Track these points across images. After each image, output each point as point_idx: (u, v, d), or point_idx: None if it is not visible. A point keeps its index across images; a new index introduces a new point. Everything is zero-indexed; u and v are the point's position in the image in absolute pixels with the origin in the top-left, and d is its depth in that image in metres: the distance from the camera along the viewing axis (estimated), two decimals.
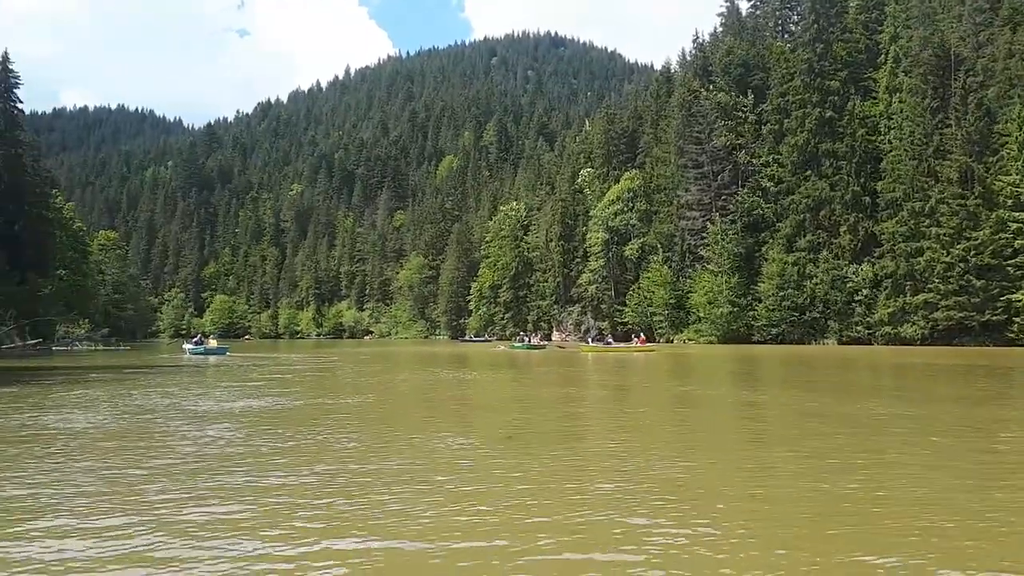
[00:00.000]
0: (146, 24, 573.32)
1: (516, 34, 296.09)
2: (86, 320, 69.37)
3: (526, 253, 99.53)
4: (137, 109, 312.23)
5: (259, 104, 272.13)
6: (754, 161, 70.57)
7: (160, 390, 19.24)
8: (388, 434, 11.25)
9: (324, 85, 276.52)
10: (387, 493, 7.05)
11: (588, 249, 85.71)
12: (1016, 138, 52.99)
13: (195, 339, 53.95)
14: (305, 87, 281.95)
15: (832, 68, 67.71)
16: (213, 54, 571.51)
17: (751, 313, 66.37)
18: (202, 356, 44.54)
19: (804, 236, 64.94)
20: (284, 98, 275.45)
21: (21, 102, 75.26)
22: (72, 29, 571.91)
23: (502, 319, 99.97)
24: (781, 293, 63.57)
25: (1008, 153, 53.61)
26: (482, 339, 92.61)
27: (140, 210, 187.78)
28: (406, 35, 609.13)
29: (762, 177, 69.55)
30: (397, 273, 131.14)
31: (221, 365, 34.23)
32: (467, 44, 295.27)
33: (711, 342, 66.94)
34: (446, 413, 14.94)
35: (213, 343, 51.77)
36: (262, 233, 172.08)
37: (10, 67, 71.37)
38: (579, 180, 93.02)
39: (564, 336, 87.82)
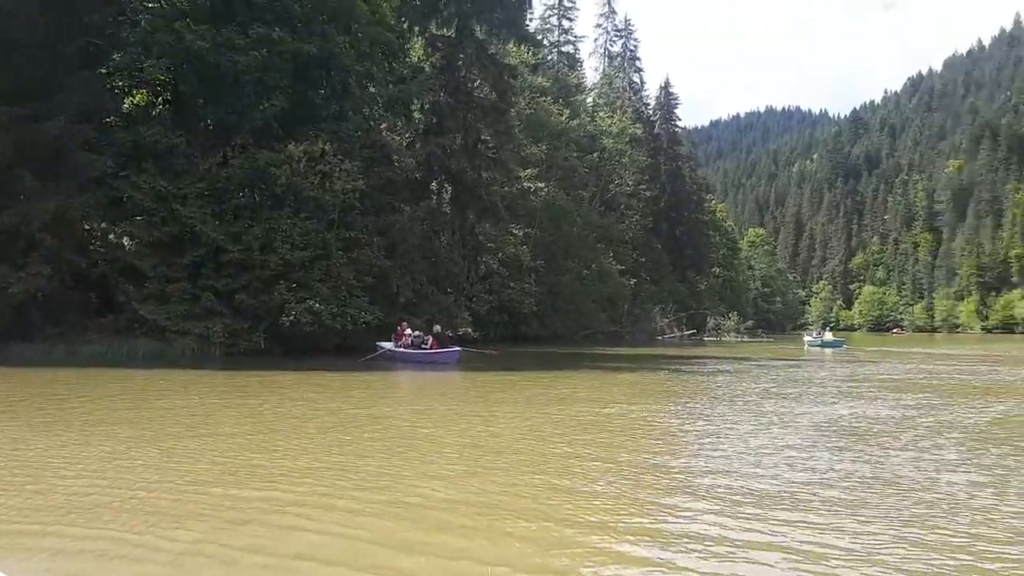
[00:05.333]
0: (785, 21, 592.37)
1: None
2: (735, 312, 74.60)
3: None
4: (784, 108, 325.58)
5: (909, 79, 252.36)
6: None
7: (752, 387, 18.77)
8: None
9: (987, 43, 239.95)
10: None
11: None
12: None
13: (815, 332, 55.56)
14: (963, 50, 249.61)
15: None
16: (859, 36, 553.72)
17: None
18: (819, 348, 45.17)
19: None
20: (938, 67, 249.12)
21: (680, 120, 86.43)
22: (721, 39, 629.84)
23: None
24: None
25: None
26: None
27: (787, 205, 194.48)
28: None
29: None
30: None
31: (834, 358, 32.89)
32: None
33: None
34: None
35: (828, 335, 51.49)
36: (913, 218, 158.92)
37: (671, 92, 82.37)
38: None
39: None
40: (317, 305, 24.72)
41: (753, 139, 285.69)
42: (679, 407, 13.84)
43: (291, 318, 24.39)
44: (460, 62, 34.84)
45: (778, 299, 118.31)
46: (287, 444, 9.15)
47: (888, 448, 9.28)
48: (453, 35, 34.43)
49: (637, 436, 10.37)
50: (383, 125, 33.48)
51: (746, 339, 64.94)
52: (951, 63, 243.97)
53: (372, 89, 31.91)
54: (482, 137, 36.09)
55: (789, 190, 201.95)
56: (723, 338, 64.71)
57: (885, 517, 6.03)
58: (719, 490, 6.93)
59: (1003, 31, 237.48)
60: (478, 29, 35.21)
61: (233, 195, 26.44)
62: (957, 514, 6.19)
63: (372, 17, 30.55)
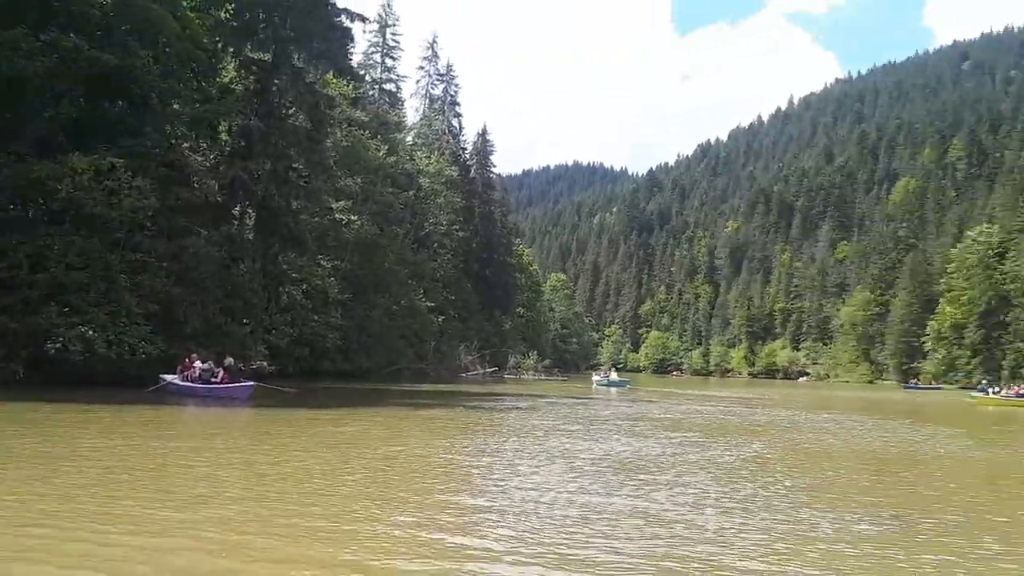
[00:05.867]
0: (600, 83, 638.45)
1: (993, 32, 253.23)
2: (535, 352, 77.71)
3: (1001, 285, 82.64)
4: (589, 163, 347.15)
5: (699, 145, 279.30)
6: None
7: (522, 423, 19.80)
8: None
9: (765, 119, 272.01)
10: None
11: None
12: None
13: (602, 372, 60.77)
14: (745, 123, 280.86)
15: None
16: (658, 103, 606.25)
17: None
18: (606, 387, 48.59)
19: None
20: (724, 137, 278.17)
21: (495, 166, 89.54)
22: (539, 95, 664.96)
23: (967, 364, 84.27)
24: None
25: None
26: (931, 387, 79.46)
27: (587, 253, 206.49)
28: (856, 55, 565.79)
29: None
30: (838, 310, 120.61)
31: (619, 397, 35.47)
32: (929, 53, 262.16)
33: None
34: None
35: (614, 375, 55.53)
36: (696, 271, 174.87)
37: (487, 138, 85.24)
38: None
39: None
40: (91, 332, 22.52)
41: (561, 190, 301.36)
42: (468, 444, 14.30)
43: (58, 344, 22.06)
44: (275, 87, 33.98)
45: (575, 340, 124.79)
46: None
47: (653, 484, 10.25)
48: (269, 60, 33.56)
49: (422, 474, 10.63)
50: (185, 144, 31.69)
51: (543, 377, 67.77)
52: (734, 134, 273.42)
53: (176, 106, 30.22)
54: (294, 165, 35.24)
55: (590, 240, 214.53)
56: (523, 376, 67.03)
57: (640, 549, 6.73)
58: (492, 526, 7.35)
59: (779, 109, 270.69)
60: (296, 57, 34.60)
61: (3, 208, 23.80)
62: (704, 543, 7.04)
63: (183, 33, 29.03)
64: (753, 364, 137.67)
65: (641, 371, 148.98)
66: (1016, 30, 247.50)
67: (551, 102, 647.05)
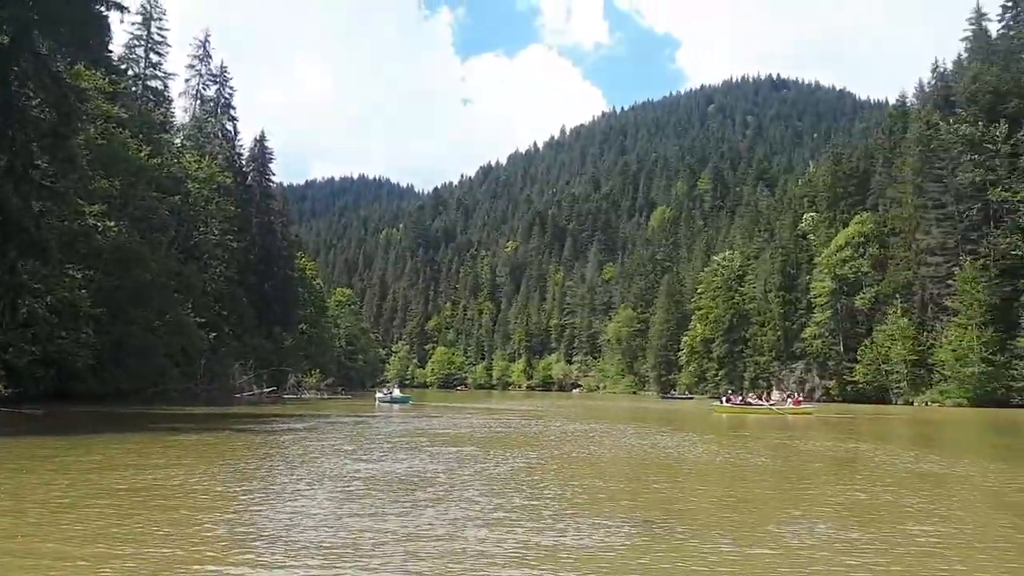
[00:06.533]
0: (382, 100, 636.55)
1: (734, 79, 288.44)
2: (318, 370, 75.21)
3: (742, 305, 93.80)
4: (375, 178, 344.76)
5: (481, 168, 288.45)
6: (1010, 198, 61.01)
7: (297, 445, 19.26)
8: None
9: (541, 145, 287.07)
10: None
11: (812, 300, 78.88)
12: None
13: (385, 389, 60.70)
14: (523, 149, 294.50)
15: None
16: (441, 124, 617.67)
17: (1011, 372, 56.46)
18: (389, 404, 48.76)
19: None
20: (504, 160, 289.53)
21: (274, 175, 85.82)
22: (321, 108, 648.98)
23: (715, 375, 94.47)
24: None
25: None
26: (683, 396, 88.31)
27: (374, 269, 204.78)
28: (619, 91, 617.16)
29: (1021, 216, 59.82)
30: (606, 326, 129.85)
31: (401, 413, 35.36)
32: (681, 94, 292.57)
33: (960, 404, 57.75)
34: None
35: (397, 392, 55.83)
36: (480, 288, 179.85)
37: (266, 145, 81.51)
38: (802, 225, 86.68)
39: (784, 395, 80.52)
40: None
41: (346, 203, 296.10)
42: (233, 469, 13.48)
43: None
44: (13, 75, 29.99)
45: (360, 357, 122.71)
46: None
47: (425, 501, 10.31)
48: (6, 43, 29.58)
49: (175, 504, 9.86)
50: None
51: (326, 396, 65.76)
52: (513, 158, 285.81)
53: None
54: (36, 162, 31.29)
55: (376, 255, 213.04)
56: (303, 395, 64.60)
57: (400, 570, 6.73)
58: (252, 555, 6.98)
59: (552, 137, 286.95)
60: (41, 43, 30.83)
61: None
62: (468, 558, 7.19)
63: None
64: (531, 377, 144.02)
65: (428, 386, 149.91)
66: (751, 79, 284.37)
67: (335, 114, 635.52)
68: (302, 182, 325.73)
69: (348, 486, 11.45)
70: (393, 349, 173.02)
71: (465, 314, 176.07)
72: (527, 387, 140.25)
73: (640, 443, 21.81)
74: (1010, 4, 76.80)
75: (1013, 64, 70.81)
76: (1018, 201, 60.27)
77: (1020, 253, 59.11)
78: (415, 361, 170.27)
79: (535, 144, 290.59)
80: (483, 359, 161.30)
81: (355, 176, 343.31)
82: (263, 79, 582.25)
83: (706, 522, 9.63)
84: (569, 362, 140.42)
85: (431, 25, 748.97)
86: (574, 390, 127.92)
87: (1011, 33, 77.52)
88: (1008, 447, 24.89)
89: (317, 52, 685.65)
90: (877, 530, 9.19)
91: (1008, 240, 60.02)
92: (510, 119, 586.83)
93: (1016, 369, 56.16)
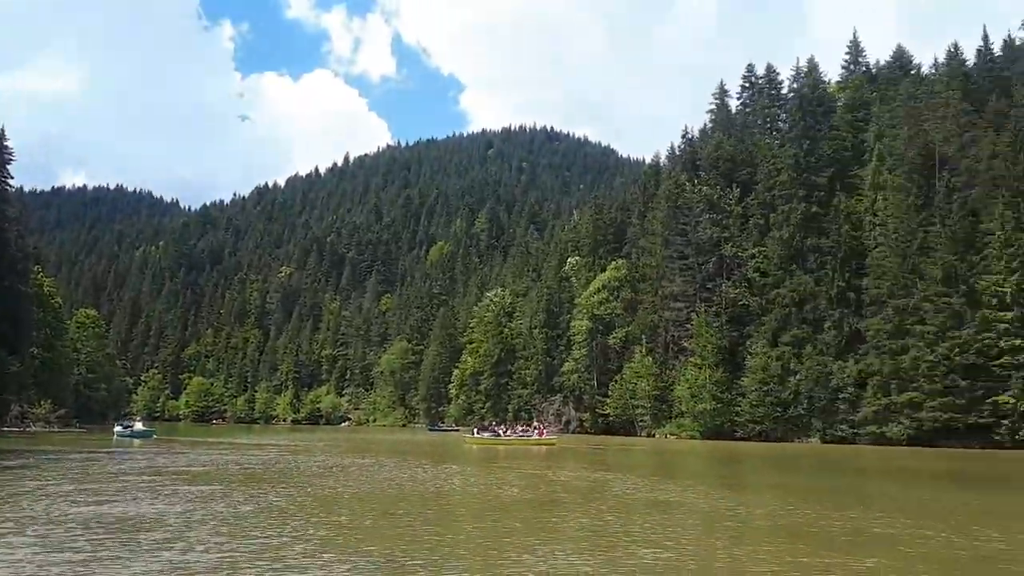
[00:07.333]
0: (149, 108, 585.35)
1: (513, 127, 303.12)
2: (48, 400, 66.59)
3: (510, 340, 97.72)
4: (135, 190, 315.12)
5: (256, 188, 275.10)
6: (739, 254, 69.98)
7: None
8: None
9: (323, 171, 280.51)
10: None
11: (572, 337, 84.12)
12: (999, 237, 52.35)
13: (126, 421, 56.57)
14: (304, 172, 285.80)
15: (818, 164, 68.20)
16: (214, 139, 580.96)
17: (735, 408, 64.18)
18: (129, 439, 44.88)
19: (788, 331, 63.52)
20: (282, 183, 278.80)
21: (12, 177, 75.30)
22: (76, 109, 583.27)
23: (482, 408, 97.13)
24: (764, 388, 61.74)
25: (992, 252, 52.84)
26: (450, 428, 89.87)
27: (126, 289, 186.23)
28: (405, 126, 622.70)
29: (747, 270, 68.80)
30: (380, 358, 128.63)
31: (143, 448, 32.54)
32: (464, 136, 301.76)
33: (694, 437, 64.49)
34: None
35: (139, 426, 51.76)
36: (246, 315, 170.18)
37: (5, 143, 71.64)
38: (566, 268, 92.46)
39: (544, 427, 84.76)
40: None
41: (99, 214, 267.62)
42: None
43: None
44: None
45: (103, 386, 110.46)
46: None
47: (151, 544, 9.51)
48: None
49: None
50: None
51: (56, 429, 58.51)
52: (293, 181, 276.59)
53: None
54: None
55: (131, 273, 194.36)
56: (29, 428, 57.01)
57: None
58: None
59: (335, 164, 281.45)
60: None
61: None
62: None
63: None
64: (298, 411, 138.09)
65: (181, 419, 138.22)
66: (528, 129, 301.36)
67: (93, 118, 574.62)
68: (47, 188, 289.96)
69: (56, 530, 10.26)
70: (143, 378, 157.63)
71: (228, 342, 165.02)
72: (293, 421, 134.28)
73: (399, 476, 21.83)
74: (747, 85, 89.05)
75: (747, 137, 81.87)
76: (746, 256, 69.23)
77: (746, 303, 67.75)
78: (167, 392, 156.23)
79: (316, 169, 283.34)
80: (245, 391, 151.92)
81: (111, 186, 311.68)
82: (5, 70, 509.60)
83: (451, 555, 9.87)
84: (340, 394, 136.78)
85: (211, 36, 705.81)
86: (343, 423, 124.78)
87: (747, 110, 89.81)
88: (729, 476, 28.18)
89: (72, 46, 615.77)
90: (610, 555, 10.00)
91: (736, 291, 68.60)
92: (291, 141, 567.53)
93: (739, 406, 63.86)
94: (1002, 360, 49.74)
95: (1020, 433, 48.26)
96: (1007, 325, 50.02)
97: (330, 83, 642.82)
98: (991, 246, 53.04)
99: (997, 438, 49.00)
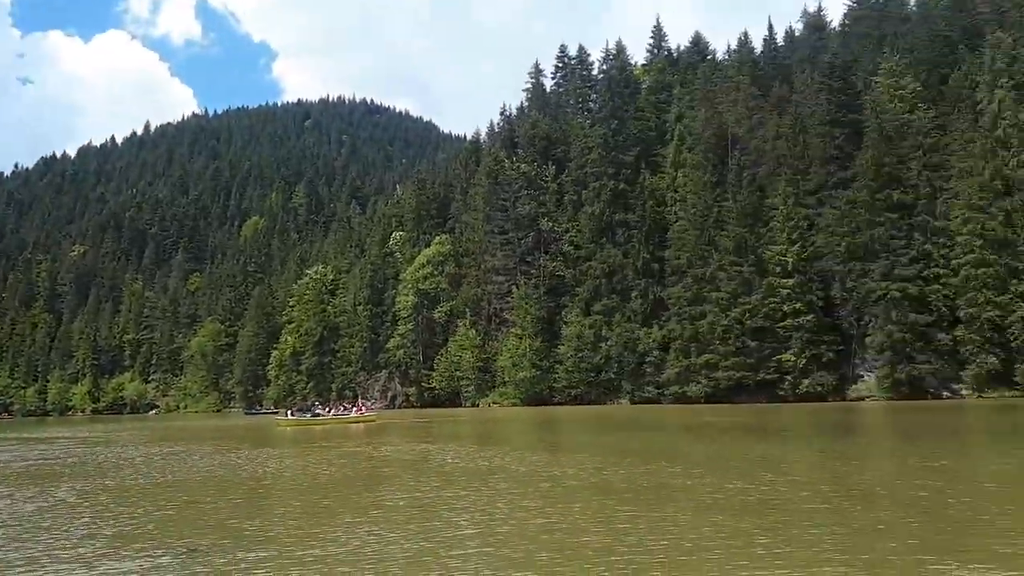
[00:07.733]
0: None
1: (331, 99, 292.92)
2: None
3: (332, 318, 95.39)
4: None
5: (43, 158, 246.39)
6: (556, 228, 72.79)
7: None
8: None
9: (120, 140, 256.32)
10: None
11: (397, 313, 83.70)
12: (782, 211, 58.38)
13: None
14: (98, 142, 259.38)
15: (625, 143, 72.09)
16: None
17: (553, 375, 67.13)
18: None
19: (600, 300, 67.21)
20: (72, 153, 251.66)
21: None
22: None
23: (304, 388, 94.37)
24: (579, 355, 65.12)
25: (776, 225, 58.82)
26: (269, 411, 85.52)
27: None
28: (213, 94, 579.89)
29: (563, 243, 71.78)
30: (189, 341, 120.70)
31: None
32: (278, 105, 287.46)
33: (515, 404, 66.77)
34: None
35: None
36: (34, 298, 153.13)
37: None
38: (390, 243, 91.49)
39: (370, 404, 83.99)
40: None
41: None
42: None
43: None
44: None
45: None
46: None
47: None
48: None
49: None
50: None
51: None
52: (85, 151, 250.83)
53: None
54: None
55: None
56: None
57: None
58: None
59: (135, 134, 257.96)
60: None
61: None
62: None
63: None
64: (98, 400, 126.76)
65: None
66: (347, 100, 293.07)
67: None
68: None
69: None
70: None
71: (13, 328, 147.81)
72: (93, 411, 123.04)
73: (210, 463, 20.86)
74: (560, 65, 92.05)
75: (561, 116, 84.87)
76: (561, 231, 72.17)
77: (561, 275, 70.76)
78: None
79: (112, 138, 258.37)
80: (36, 381, 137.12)
81: None
82: None
83: (256, 539, 9.64)
84: (146, 381, 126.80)
85: None
86: (151, 411, 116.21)
87: (561, 90, 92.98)
88: (547, 440, 29.53)
89: None
90: (427, 525, 10.20)
91: (553, 264, 71.45)
92: (83, 108, 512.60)
93: (557, 372, 66.88)
94: (785, 323, 55.84)
95: (800, 387, 54.58)
96: (789, 291, 56.10)
97: (126, 45, 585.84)
98: (775, 219, 59.06)
99: (781, 393, 55.13)
